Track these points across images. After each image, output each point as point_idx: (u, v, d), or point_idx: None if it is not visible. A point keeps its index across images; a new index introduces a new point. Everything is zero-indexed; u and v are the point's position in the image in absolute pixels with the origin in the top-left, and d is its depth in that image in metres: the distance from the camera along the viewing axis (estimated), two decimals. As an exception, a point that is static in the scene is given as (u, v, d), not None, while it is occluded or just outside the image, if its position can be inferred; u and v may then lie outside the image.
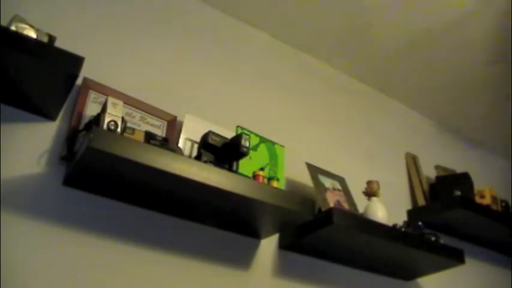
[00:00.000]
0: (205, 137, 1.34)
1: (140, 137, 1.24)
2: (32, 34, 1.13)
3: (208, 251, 1.42)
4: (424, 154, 2.29)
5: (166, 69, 1.64)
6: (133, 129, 1.26)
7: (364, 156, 2.05)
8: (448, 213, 1.91)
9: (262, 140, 1.65)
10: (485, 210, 1.98)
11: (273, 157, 1.64)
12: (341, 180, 1.74)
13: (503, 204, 2.14)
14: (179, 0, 1.82)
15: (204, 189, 1.20)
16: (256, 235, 1.52)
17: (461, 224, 1.98)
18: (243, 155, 1.31)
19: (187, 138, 1.44)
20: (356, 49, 2.10)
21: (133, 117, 1.43)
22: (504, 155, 2.71)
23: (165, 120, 1.49)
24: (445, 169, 2.23)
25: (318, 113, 2.02)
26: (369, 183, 1.68)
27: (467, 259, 1.75)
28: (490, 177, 2.42)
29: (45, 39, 1.15)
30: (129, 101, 1.43)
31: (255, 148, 1.60)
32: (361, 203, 1.67)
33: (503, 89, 2.27)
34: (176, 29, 1.75)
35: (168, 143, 1.27)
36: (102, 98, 1.36)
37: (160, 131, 1.46)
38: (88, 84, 1.39)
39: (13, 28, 1.11)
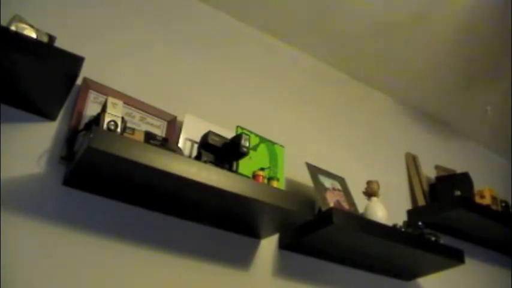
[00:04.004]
0: (205, 137, 1.34)
1: (140, 137, 1.24)
2: (32, 34, 1.13)
3: (208, 251, 1.42)
4: (424, 154, 2.29)
5: (166, 69, 1.64)
6: (134, 129, 1.26)
7: (364, 156, 2.05)
8: (448, 213, 1.91)
9: (262, 140, 1.64)
10: (485, 210, 1.98)
11: (273, 157, 1.64)
12: (341, 180, 1.74)
13: (503, 204, 2.14)
14: (179, 0, 1.82)
15: (203, 189, 1.20)
16: (256, 235, 1.52)
17: (461, 224, 1.99)
18: (243, 155, 1.31)
19: (187, 138, 1.44)
20: (355, 49, 2.11)
21: (133, 117, 1.43)
22: (504, 155, 2.71)
23: (165, 120, 1.49)
24: (445, 169, 2.23)
25: (318, 113, 2.02)
26: (369, 183, 1.68)
27: (467, 259, 1.75)
28: (490, 177, 2.43)
29: (45, 39, 1.15)
30: (129, 101, 1.43)
31: (255, 148, 1.59)
32: (361, 203, 1.67)
33: (503, 88, 2.27)
34: (176, 29, 1.75)
35: (168, 143, 1.27)
36: (102, 98, 1.37)
37: (160, 131, 1.46)
38: (88, 84, 1.39)
39: (13, 28, 1.11)
